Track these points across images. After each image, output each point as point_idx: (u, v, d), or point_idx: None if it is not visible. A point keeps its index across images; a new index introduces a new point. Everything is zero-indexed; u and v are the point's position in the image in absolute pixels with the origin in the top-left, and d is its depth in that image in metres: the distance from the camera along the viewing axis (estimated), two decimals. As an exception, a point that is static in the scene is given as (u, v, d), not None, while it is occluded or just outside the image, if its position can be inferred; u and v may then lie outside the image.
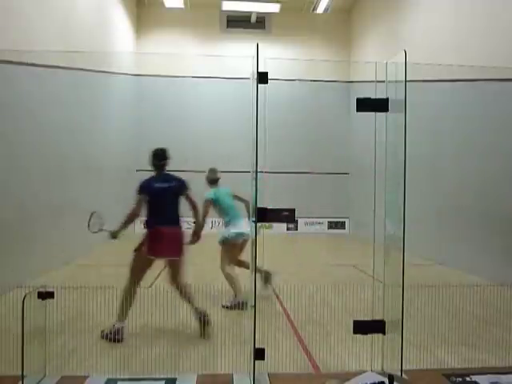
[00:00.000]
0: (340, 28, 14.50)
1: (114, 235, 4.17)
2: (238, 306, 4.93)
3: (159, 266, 7.31)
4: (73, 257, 8.01)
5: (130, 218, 4.17)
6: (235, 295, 5.11)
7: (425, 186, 8.51)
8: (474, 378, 3.11)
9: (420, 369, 3.30)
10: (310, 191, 13.41)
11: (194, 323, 4.17)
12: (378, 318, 3.11)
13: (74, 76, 8.27)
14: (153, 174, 4.34)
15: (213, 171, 5.58)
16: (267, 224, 2.97)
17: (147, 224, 4.20)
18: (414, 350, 3.49)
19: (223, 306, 5.08)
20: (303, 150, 13.81)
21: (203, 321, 4.06)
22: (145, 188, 4.21)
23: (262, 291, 5.13)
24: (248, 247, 4.57)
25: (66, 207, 7.72)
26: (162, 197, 4.20)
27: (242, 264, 5.41)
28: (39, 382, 2.99)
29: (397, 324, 2.95)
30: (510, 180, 6.64)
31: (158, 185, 4.23)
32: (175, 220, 4.27)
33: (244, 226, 5.20)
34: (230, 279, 5.19)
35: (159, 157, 4.33)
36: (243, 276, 4.87)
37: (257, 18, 14.21)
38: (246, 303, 4.20)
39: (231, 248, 5.36)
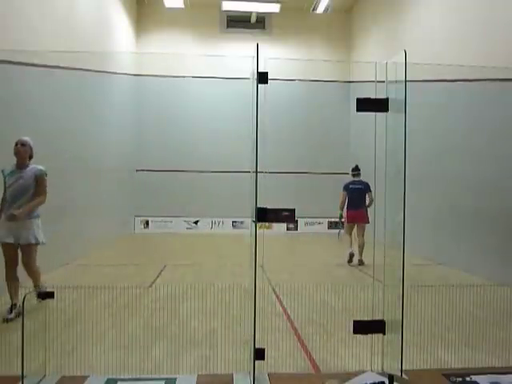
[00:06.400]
0: (340, 28, 14.49)
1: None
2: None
3: (159, 266, 7.31)
4: (73, 257, 8.01)
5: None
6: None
7: (425, 185, 8.51)
8: (474, 378, 3.10)
9: (420, 369, 3.30)
10: (310, 191, 13.40)
11: (194, 324, 4.17)
12: (377, 318, 3.11)
13: (74, 76, 8.27)
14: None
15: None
16: (267, 224, 2.96)
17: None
18: (414, 350, 3.49)
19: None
20: (303, 150, 13.82)
21: None
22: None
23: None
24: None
25: (65, 207, 7.71)
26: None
27: None
28: (39, 382, 2.98)
29: (397, 324, 2.95)
30: (509, 180, 6.63)
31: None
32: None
33: None
34: None
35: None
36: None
37: (257, 18, 14.21)
38: None
39: None
